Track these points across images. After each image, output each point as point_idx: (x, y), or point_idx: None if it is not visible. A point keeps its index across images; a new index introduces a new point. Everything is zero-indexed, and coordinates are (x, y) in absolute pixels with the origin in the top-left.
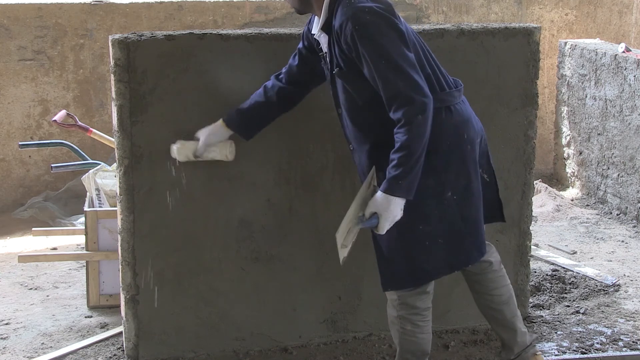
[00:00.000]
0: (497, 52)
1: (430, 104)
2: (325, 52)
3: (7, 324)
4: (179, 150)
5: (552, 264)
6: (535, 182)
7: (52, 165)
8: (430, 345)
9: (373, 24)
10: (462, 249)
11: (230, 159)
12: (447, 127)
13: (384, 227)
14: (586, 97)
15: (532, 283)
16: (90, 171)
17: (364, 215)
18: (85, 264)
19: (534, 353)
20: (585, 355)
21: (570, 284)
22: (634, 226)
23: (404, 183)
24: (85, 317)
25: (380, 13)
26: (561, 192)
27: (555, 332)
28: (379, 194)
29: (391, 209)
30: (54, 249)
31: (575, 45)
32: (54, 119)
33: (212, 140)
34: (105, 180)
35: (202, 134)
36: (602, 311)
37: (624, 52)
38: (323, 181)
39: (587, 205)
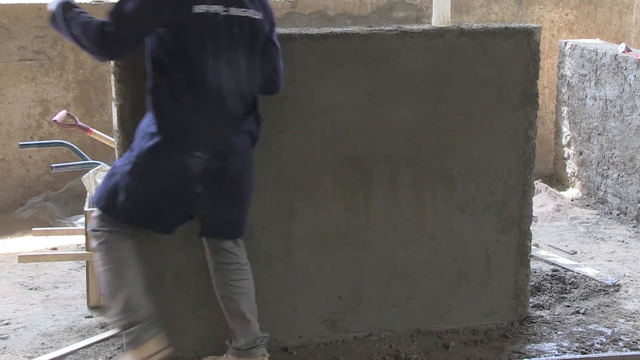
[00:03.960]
0: (497, 52)
1: (104, 43)
2: None
3: (7, 324)
4: None
5: (552, 264)
6: (535, 182)
7: (52, 165)
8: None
9: None
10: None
11: None
12: (169, 116)
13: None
14: (586, 97)
15: (532, 283)
16: (91, 171)
17: None
18: (85, 264)
19: (262, 354)
20: (585, 355)
21: (570, 284)
22: (634, 226)
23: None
24: (85, 317)
25: None
26: (561, 192)
27: (556, 332)
28: None
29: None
30: (54, 249)
31: (576, 45)
32: (54, 119)
33: None
34: None
35: None
36: (602, 311)
37: (624, 52)
38: (323, 181)
39: (587, 205)
